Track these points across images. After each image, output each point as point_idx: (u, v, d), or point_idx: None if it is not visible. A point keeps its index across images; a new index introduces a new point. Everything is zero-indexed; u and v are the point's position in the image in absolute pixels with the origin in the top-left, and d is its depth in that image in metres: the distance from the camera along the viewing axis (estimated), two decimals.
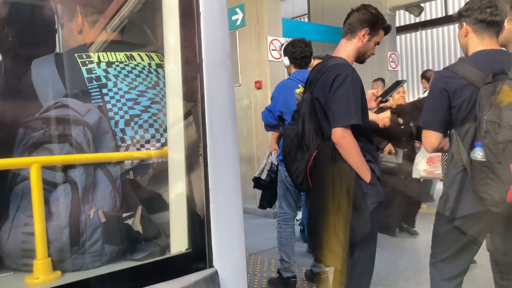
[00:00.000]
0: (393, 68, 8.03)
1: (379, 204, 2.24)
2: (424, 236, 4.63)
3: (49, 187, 1.19)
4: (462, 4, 2.13)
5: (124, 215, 1.42)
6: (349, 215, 2.15)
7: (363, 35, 2.32)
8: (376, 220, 2.27)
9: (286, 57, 3.69)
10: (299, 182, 2.35)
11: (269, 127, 3.78)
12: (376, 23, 2.33)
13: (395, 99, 4.63)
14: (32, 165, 1.10)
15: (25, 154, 1.24)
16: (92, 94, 1.43)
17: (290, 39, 3.80)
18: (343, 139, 2.15)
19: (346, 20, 2.37)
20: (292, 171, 2.37)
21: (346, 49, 2.35)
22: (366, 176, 2.19)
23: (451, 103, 1.99)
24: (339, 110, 2.16)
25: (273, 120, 3.62)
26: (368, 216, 2.17)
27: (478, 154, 1.84)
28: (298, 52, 3.63)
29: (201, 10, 1.24)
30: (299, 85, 3.49)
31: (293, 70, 3.72)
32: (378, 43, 2.40)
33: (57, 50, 1.78)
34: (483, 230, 2.05)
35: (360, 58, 2.40)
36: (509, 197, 1.76)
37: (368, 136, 2.35)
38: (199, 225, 1.23)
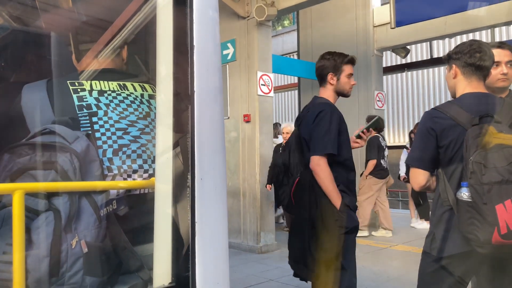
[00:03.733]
0: (379, 107, 8.17)
1: (350, 229, 2.49)
2: (410, 275, 4.59)
3: (31, 214, 1.17)
4: (447, 48, 2.21)
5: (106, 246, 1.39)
6: (321, 235, 2.46)
7: (331, 79, 2.70)
8: (352, 245, 2.53)
9: None
10: (285, 204, 2.72)
11: None
12: (335, 66, 2.69)
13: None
14: (15, 191, 1.08)
15: (8, 180, 1.21)
16: (81, 122, 1.42)
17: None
18: (318, 166, 2.47)
19: (315, 72, 2.78)
20: (279, 194, 2.80)
21: (325, 94, 2.75)
22: (336, 203, 2.45)
23: (439, 142, 2.02)
24: (318, 140, 2.52)
25: None
26: (337, 238, 2.44)
27: (464, 194, 1.85)
28: None
29: (194, 43, 1.26)
30: None
31: None
32: (351, 74, 2.72)
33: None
34: (469, 270, 2.04)
35: (342, 94, 2.75)
36: (494, 238, 1.76)
37: (348, 168, 2.61)
38: (183, 259, 1.20)
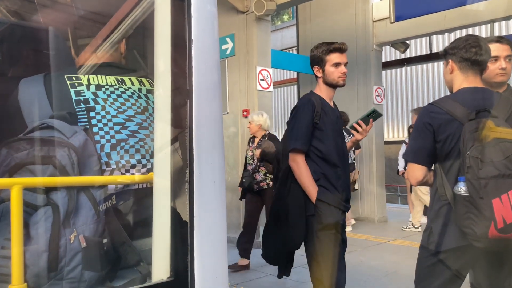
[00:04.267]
0: (378, 102, 8.16)
1: (325, 226, 2.46)
2: (408, 270, 4.61)
3: (29, 209, 1.17)
4: (446, 43, 2.21)
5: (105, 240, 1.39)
6: (285, 227, 2.52)
7: (317, 71, 2.69)
8: (326, 242, 2.48)
9: None
10: None
11: None
12: (318, 57, 2.66)
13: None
14: (13, 186, 1.08)
15: (6, 175, 1.21)
16: (79, 116, 1.42)
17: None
18: (293, 162, 2.53)
19: None
20: (275, 188, 2.84)
21: (317, 86, 2.74)
22: (311, 196, 2.47)
23: (436, 137, 2.02)
24: (289, 136, 2.59)
25: None
26: (300, 233, 2.48)
27: (461, 188, 1.86)
28: None
29: (193, 38, 1.25)
30: None
31: None
32: (338, 64, 2.63)
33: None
34: (466, 264, 2.05)
35: (332, 85, 2.68)
36: (490, 232, 1.77)
37: (331, 163, 2.56)
38: (182, 253, 1.20)
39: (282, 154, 2.71)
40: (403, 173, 7.85)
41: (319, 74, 2.68)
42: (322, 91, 2.69)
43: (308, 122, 2.52)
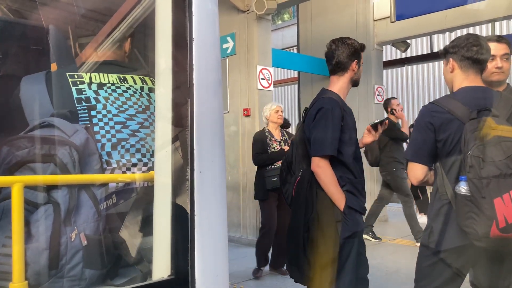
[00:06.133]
0: (379, 101, 8.15)
1: (354, 233, 2.32)
2: (408, 269, 4.61)
3: (30, 207, 1.17)
4: (447, 42, 2.20)
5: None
6: (316, 238, 2.32)
7: (355, 66, 2.48)
8: (352, 249, 2.34)
9: None
10: (289, 203, 2.56)
11: None
12: (359, 51, 2.51)
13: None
14: (14, 184, 1.08)
15: (7, 172, 1.21)
16: (80, 115, 1.42)
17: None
18: (318, 167, 2.33)
19: (330, 59, 2.50)
20: (283, 192, 2.64)
21: (338, 84, 2.51)
22: (340, 204, 2.30)
23: (437, 136, 2.02)
24: (316, 140, 2.36)
25: None
26: (338, 242, 2.29)
27: (463, 188, 1.86)
28: None
29: (194, 36, 1.25)
30: None
31: None
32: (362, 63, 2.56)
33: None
34: (467, 263, 2.05)
35: (356, 83, 2.56)
36: (492, 232, 1.77)
37: (355, 167, 2.42)
38: (183, 251, 1.20)
39: (296, 158, 2.54)
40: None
41: (355, 70, 2.49)
42: (343, 89, 2.51)
43: (337, 126, 2.35)
